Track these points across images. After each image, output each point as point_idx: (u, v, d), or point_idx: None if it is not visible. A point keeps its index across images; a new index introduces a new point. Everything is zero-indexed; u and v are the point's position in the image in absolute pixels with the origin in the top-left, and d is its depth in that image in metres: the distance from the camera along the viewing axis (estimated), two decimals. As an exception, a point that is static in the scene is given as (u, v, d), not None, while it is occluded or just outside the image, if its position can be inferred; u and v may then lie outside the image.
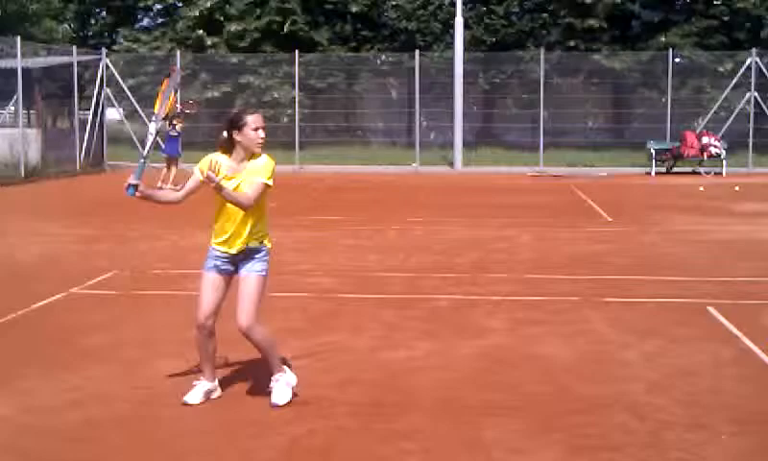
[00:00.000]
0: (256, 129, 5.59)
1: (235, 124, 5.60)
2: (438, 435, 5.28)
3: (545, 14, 36.10)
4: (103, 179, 26.11)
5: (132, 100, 30.05)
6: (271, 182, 5.63)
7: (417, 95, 30.88)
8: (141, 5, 40.31)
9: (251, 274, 5.70)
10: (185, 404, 5.71)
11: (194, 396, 5.77)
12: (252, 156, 5.65)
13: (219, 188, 5.44)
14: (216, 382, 5.90)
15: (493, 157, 30.91)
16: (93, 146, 28.43)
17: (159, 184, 19.71)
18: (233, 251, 5.69)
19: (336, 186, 23.27)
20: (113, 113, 32.39)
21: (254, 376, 6.26)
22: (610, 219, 15.92)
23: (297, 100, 31.56)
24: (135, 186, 5.71)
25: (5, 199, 19.57)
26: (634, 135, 32.79)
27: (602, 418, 5.58)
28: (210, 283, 5.71)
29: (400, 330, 7.79)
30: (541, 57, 30.83)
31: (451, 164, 30.13)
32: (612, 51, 34.22)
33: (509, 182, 24.58)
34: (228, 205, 5.61)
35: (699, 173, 26.95)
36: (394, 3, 36.97)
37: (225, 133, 5.67)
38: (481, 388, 6.15)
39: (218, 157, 5.67)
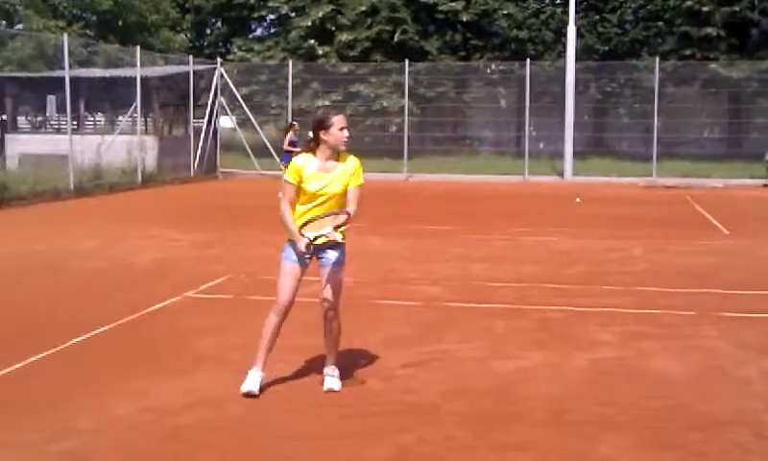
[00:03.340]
0: (342, 128, 5.93)
1: (322, 124, 5.92)
2: (549, 448, 5.19)
3: (660, 23, 35.41)
4: (215, 185, 26.68)
5: (245, 108, 30.62)
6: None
7: (527, 104, 30.61)
8: (255, 15, 41.14)
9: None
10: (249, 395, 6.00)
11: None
12: (338, 154, 5.98)
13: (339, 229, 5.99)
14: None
15: (604, 168, 30.39)
16: (207, 153, 29.05)
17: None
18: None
19: (443, 195, 23.23)
20: (226, 121, 33.05)
21: (355, 383, 6.30)
22: (726, 232, 15.46)
23: (406, 109, 31.64)
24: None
25: (123, 204, 20.16)
26: (751, 146, 31.86)
27: (719, 435, 5.40)
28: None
29: (509, 341, 7.71)
30: (656, 65, 30.22)
31: (561, 174, 29.77)
32: (730, 60, 33.31)
33: (620, 193, 24.14)
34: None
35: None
36: (505, 12, 36.77)
37: (311, 133, 6.02)
38: (593, 401, 6.03)
39: (304, 159, 6.00)
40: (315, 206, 5.97)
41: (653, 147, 29.76)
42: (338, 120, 5.92)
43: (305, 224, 5.95)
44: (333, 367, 6.25)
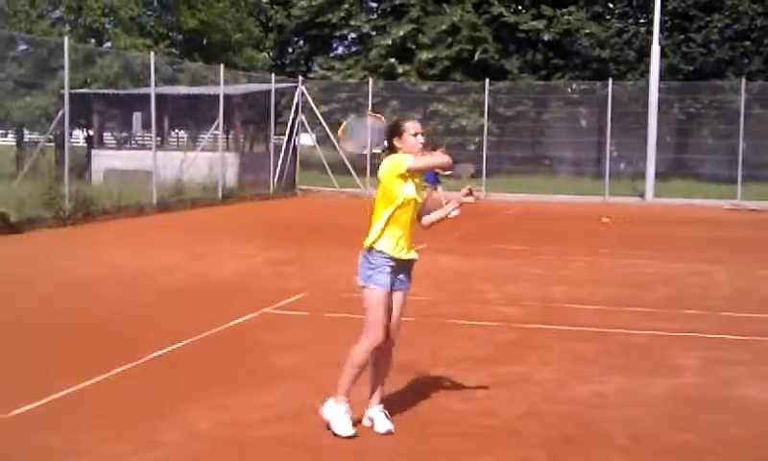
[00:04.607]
0: (416, 134, 5.70)
1: (395, 131, 5.73)
2: (628, 475, 5.12)
3: (747, 42, 34.73)
4: (294, 202, 26.93)
5: (325, 126, 30.85)
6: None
7: (608, 124, 30.27)
8: (337, 34, 41.56)
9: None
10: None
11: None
12: None
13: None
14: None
15: (686, 189, 29.85)
16: (286, 170, 29.33)
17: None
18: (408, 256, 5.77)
19: (521, 215, 23.08)
20: (306, 139, 33.35)
21: (433, 403, 6.27)
22: (814, 257, 15.05)
23: (485, 128, 31.57)
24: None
25: (203, 219, 20.46)
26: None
27: (807, 468, 5.26)
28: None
29: (589, 364, 7.61)
30: (742, 86, 29.61)
31: (642, 195, 29.35)
32: (821, 80, 32.53)
33: (702, 216, 23.69)
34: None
35: None
36: (587, 31, 36.47)
37: (386, 142, 5.82)
38: (675, 428, 5.91)
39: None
40: (403, 214, 5.62)
41: (737, 170, 29.15)
42: (411, 125, 5.71)
43: (396, 244, 5.61)
44: (383, 405, 5.81)
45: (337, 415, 5.57)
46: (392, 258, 5.62)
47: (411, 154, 5.63)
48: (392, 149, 5.74)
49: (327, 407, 5.63)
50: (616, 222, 20.88)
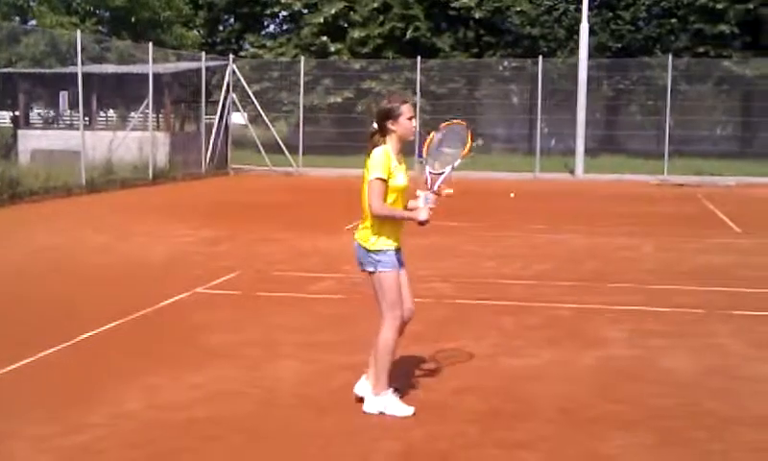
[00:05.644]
0: (410, 118, 5.68)
1: (391, 114, 5.64)
2: (558, 445, 5.20)
3: (674, 20, 35.26)
4: (226, 181, 26.69)
5: (257, 105, 30.60)
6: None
7: (539, 101, 30.52)
8: (268, 12, 41.19)
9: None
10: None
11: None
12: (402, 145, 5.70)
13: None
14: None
15: (616, 165, 30.28)
16: (218, 149, 29.05)
17: None
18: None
19: (454, 192, 23.20)
20: (238, 118, 33.05)
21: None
22: (738, 230, 15.40)
23: (418, 106, 31.64)
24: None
25: (134, 199, 20.20)
26: (764, 144, 31.70)
27: (727, 434, 5.40)
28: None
29: (520, 338, 7.71)
30: (669, 63, 30.08)
31: (572, 172, 29.70)
32: (743, 57, 33.18)
33: (631, 191, 24.06)
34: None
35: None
36: (518, 9, 36.71)
37: (375, 125, 5.70)
38: (603, 399, 6.03)
39: (389, 151, 5.65)
40: (396, 204, 5.74)
41: (665, 145, 29.64)
42: (406, 109, 5.65)
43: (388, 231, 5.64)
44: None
45: (389, 402, 5.61)
46: (393, 247, 5.67)
47: (405, 137, 5.69)
48: (383, 131, 5.66)
49: (373, 403, 5.64)
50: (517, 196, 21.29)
